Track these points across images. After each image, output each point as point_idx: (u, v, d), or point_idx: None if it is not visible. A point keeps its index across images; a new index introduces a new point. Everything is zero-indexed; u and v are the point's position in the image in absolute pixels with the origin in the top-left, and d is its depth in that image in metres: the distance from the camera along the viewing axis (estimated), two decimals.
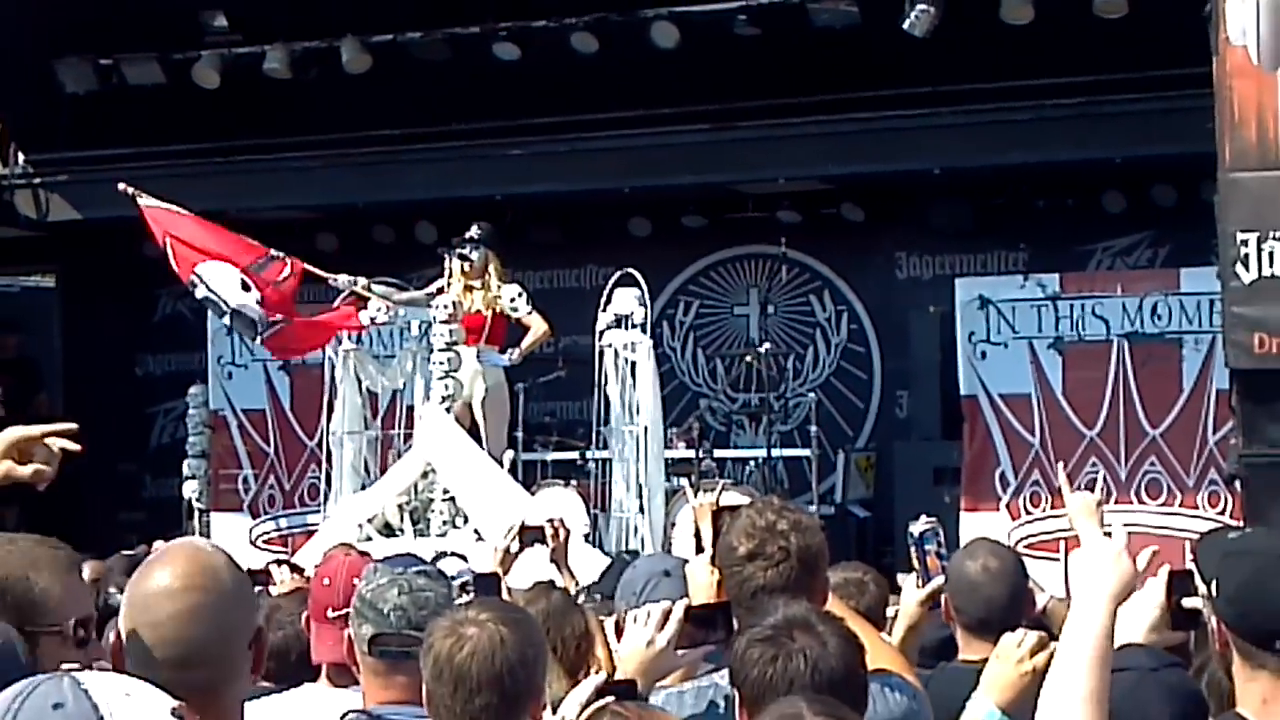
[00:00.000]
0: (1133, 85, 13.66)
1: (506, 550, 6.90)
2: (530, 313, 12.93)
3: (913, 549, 4.86)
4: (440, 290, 12.85)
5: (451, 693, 3.49)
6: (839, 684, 3.25)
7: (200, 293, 12.98)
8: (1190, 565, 3.79)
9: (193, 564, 2.98)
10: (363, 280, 13.04)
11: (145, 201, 13.03)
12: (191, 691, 2.64)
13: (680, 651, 3.93)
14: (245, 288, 12.84)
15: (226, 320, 13.14)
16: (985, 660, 4.66)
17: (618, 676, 3.81)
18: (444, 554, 7.47)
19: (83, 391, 17.97)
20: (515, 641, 3.53)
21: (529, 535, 7.02)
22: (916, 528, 4.87)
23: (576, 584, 7.08)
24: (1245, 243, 9.47)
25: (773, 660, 3.24)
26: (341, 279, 13.04)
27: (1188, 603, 3.78)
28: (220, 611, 2.94)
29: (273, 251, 12.94)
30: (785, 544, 3.87)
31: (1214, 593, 3.54)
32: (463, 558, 7.15)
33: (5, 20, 15.60)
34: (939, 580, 4.80)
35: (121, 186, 13.08)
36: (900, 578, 5.09)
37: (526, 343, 12.98)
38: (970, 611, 4.77)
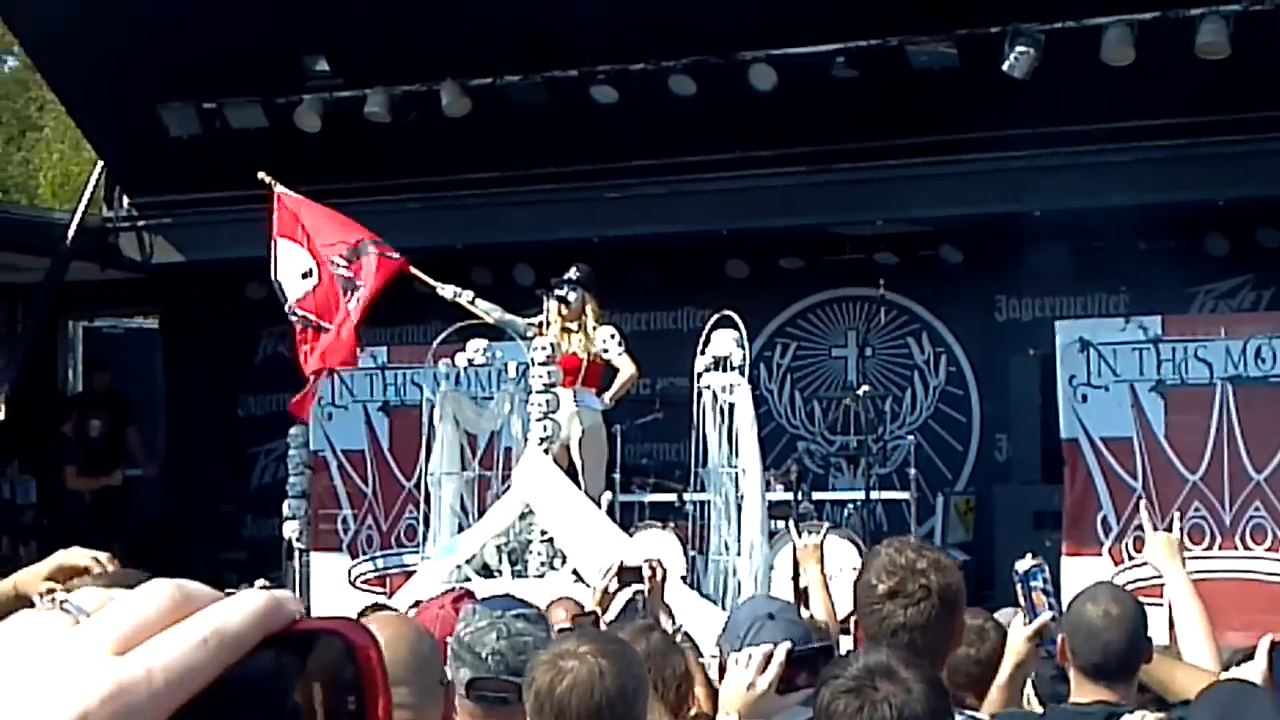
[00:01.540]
0: (1234, 126, 13.57)
1: (605, 590, 6.89)
2: (621, 354, 12.90)
3: (1018, 586, 4.84)
4: (539, 329, 12.87)
5: None
6: None
7: (272, 253, 13.15)
8: None
9: (392, 615, 3.83)
10: (468, 294, 13.07)
11: (280, 189, 13.16)
12: (398, 708, 3.20)
13: (782, 696, 3.92)
14: (306, 275, 12.95)
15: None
16: (1097, 703, 4.63)
17: (719, 719, 3.81)
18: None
19: (185, 432, 18.21)
20: (614, 674, 3.54)
21: (627, 575, 7.01)
22: (1022, 565, 4.86)
23: (674, 624, 7.07)
24: None
25: (859, 710, 3.21)
26: (448, 289, 13.08)
27: None
28: (415, 642, 3.45)
29: (381, 241, 12.97)
30: (926, 582, 3.88)
31: None
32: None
33: (110, 65, 15.85)
34: (1045, 616, 4.78)
35: (261, 175, 13.18)
36: (1002, 614, 5.06)
37: (615, 387, 12.94)
38: (1087, 655, 4.73)
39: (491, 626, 4.01)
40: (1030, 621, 4.82)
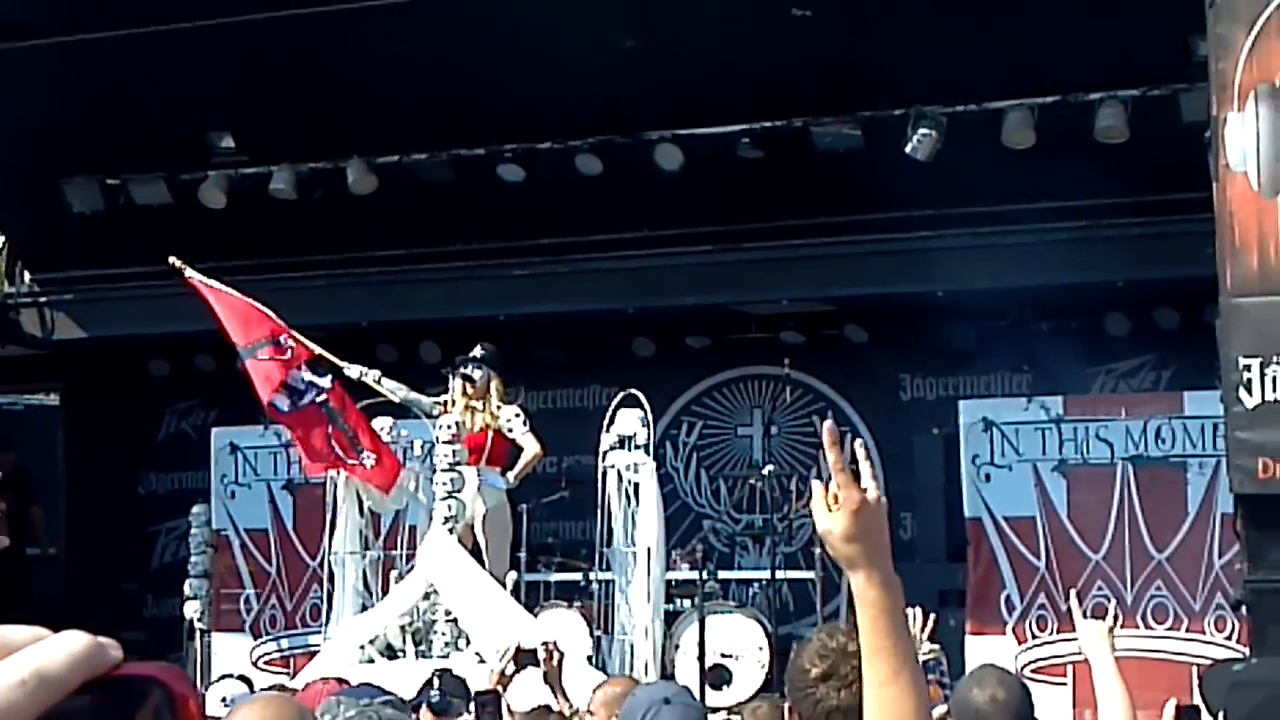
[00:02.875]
0: (1134, 209, 13.74)
1: (502, 672, 6.87)
2: (526, 433, 12.85)
3: None
4: (444, 407, 12.82)
5: None
6: None
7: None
8: (1197, 698, 3.76)
9: (273, 695, 3.82)
10: (374, 373, 13.02)
11: (190, 274, 13.01)
12: None
13: None
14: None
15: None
16: None
17: None
18: (445, 672, 7.41)
19: (86, 510, 17.99)
20: None
21: (523, 658, 6.99)
22: (920, 655, 4.84)
23: (570, 707, 7.04)
24: (1248, 368, 9.45)
25: None
26: (354, 368, 13.00)
27: None
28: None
29: (286, 337, 12.80)
30: (857, 664, 3.93)
31: None
32: (462, 680, 7.09)
33: (13, 140, 15.72)
34: (940, 710, 4.78)
35: (172, 260, 13.03)
36: None
37: (519, 466, 12.89)
38: None
39: (361, 714, 4.00)
40: None
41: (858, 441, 3.05)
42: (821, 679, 3.96)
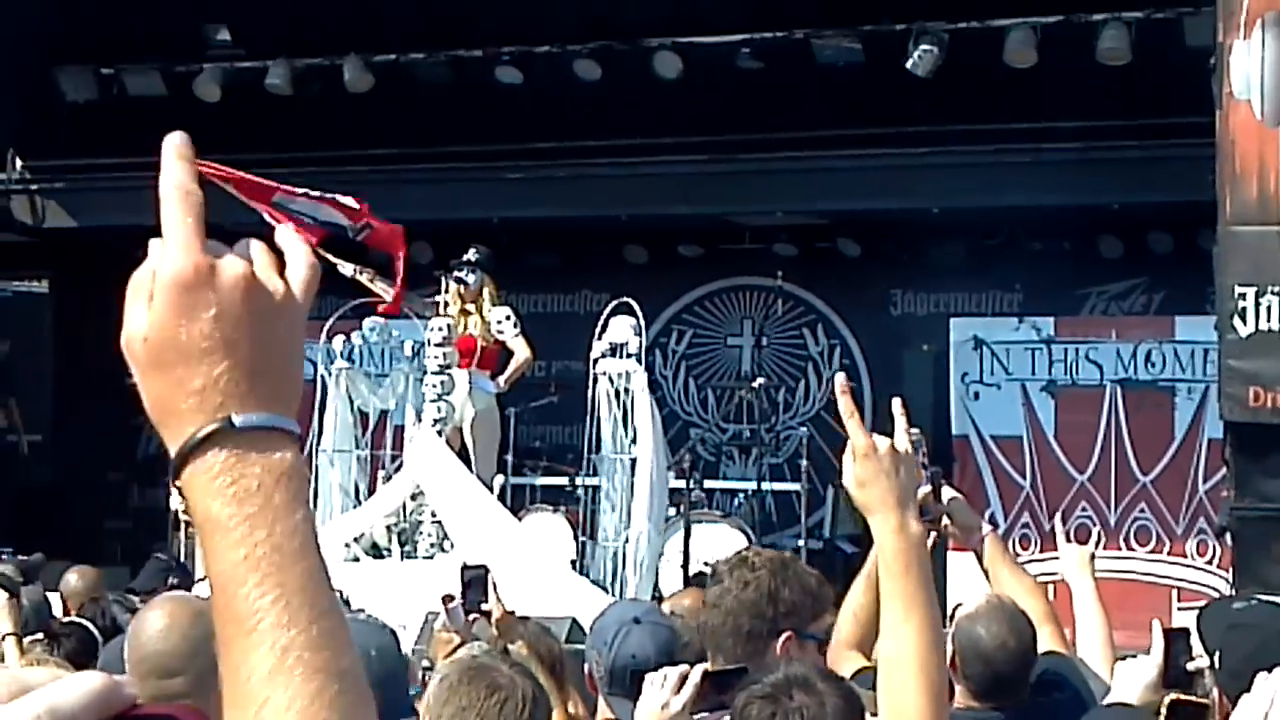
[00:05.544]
0: (1133, 132, 13.70)
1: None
2: (516, 336, 12.81)
3: None
4: (437, 309, 12.78)
5: None
6: None
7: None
8: (1190, 628, 3.79)
9: (173, 602, 3.69)
10: (368, 271, 12.96)
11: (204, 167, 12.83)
12: (173, 697, 3.26)
13: (696, 716, 3.95)
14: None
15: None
16: (981, 709, 4.71)
17: None
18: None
19: (73, 399, 17.96)
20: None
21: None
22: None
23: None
24: (1243, 296, 9.47)
25: (771, 717, 3.26)
26: (348, 266, 12.93)
27: (1191, 666, 3.77)
28: (188, 626, 3.47)
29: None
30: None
31: (1217, 664, 3.52)
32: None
33: (7, 27, 15.60)
34: (925, 489, 4.75)
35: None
36: None
37: (510, 370, 12.88)
38: (977, 680, 4.77)
39: None
40: None
41: (895, 400, 3.08)
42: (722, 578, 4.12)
